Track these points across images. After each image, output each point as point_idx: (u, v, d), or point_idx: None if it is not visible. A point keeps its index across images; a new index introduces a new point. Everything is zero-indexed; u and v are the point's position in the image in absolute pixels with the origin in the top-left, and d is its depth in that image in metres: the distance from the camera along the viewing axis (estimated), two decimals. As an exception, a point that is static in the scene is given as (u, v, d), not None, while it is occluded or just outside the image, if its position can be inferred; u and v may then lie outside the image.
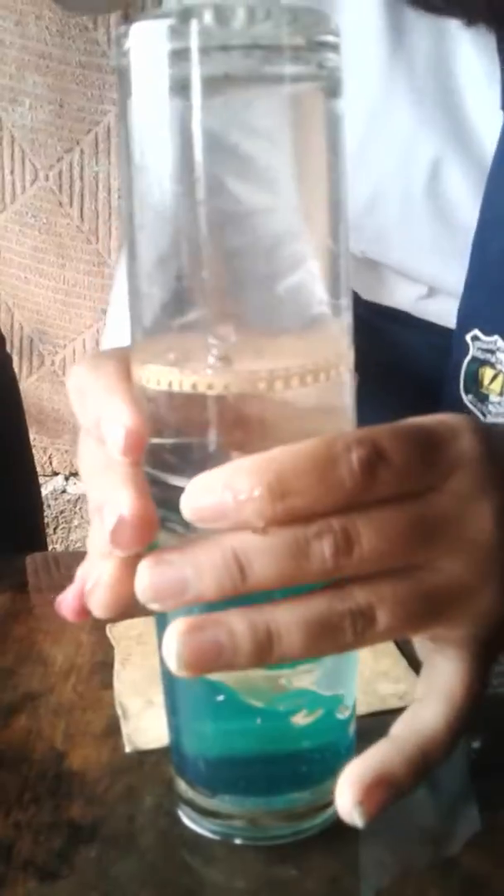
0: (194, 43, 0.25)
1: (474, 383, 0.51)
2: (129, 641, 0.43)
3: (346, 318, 0.29)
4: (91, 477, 0.30)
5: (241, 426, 0.27)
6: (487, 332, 0.50)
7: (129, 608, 0.29)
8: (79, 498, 1.43)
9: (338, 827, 0.31)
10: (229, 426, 0.27)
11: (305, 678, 0.30)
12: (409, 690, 0.38)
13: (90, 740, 0.37)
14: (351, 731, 0.32)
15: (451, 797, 0.34)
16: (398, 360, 0.61)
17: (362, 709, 0.35)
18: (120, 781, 0.35)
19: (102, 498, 0.28)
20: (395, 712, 0.30)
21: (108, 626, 0.44)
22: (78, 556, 0.34)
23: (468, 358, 0.51)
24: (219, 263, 0.27)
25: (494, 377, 0.50)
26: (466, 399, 0.52)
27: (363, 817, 0.28)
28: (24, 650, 0.44)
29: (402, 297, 0.59)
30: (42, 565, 0.56)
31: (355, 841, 0.31)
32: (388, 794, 0.28)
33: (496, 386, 0.51)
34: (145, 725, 0.37)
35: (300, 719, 0.30)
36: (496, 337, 0.50)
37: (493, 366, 0.50)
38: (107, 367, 0.30)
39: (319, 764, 0.31)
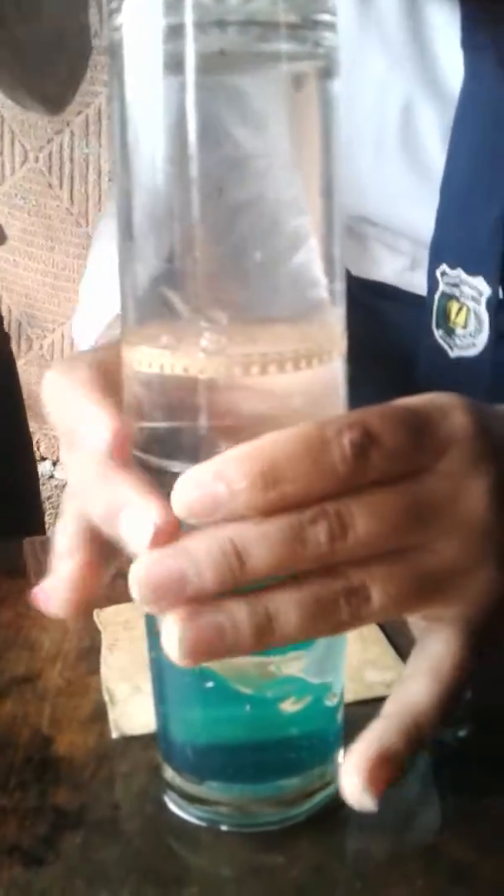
0: (189, 18, 0.25)
1: (444, 318, 0.52)
2: (117, 627, 0.43)
3: (340, 305, 0.29)
4: (82, 486, 0.30)
5: (233, 411, 0.27)
6: (452, 266, 0.51)
7: (88, 609, 0.30)
8: (66, 483, 1.43)
9: (325, 814, 0.31)
10: (221, 410, 0.27)
11: (294, 665, 0.29)
12: (397, 679, 0.38)
13: (77, 726, 0.37)
14: (339, 718, 0.32)
15: (436, 786, 0.34)
16: (388, 336, 0.61)
17: (349, 696, 0.35)
18: (106, 767, 0.34)
19: (108, 506, 0.28)
20: (381, 700, 0.30)
21: (95, 612, 0.44)
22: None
23: (438, 293, 0.52)
24: (213, 246, 0.26)
25: (459, 310, 0.51)
26: (437, 335, 0.53)
27: (374, 799, 0.28)
28: (11, 635, 0.44)
29: (389, 269, 0.60)
30: (30, 550, 0.56)
31: (342, 829, 0.31)
32: (392, 771, 0.28)
33: (461, 319, 0.52)
34: (132, 711, 0.37)
35: (289, 706, 0.30)
36: (459, 270, 0.51)
37: (457, 299, 0.51)
38: (80, 373, 0.30)
39: (307, 751, 0.31)
